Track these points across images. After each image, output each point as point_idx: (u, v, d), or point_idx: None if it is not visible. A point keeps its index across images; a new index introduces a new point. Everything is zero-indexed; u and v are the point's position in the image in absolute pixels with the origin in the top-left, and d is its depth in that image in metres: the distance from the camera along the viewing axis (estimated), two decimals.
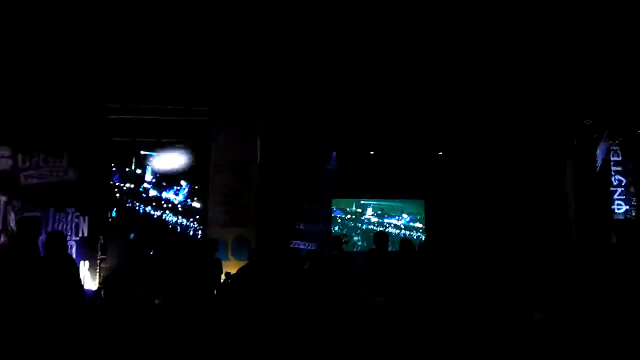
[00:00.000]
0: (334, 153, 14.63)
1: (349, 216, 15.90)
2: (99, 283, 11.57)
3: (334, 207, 15.98)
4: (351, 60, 11.08)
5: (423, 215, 16.00)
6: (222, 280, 8.58)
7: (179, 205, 13.14)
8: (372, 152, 14.41)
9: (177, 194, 13.16)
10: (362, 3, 9.36)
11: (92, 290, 11.16)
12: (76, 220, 11.85)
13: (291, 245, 14.26)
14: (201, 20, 9.86)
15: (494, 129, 13.08)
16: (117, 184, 12.84)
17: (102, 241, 12.05)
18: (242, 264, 9.42)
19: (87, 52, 10.80)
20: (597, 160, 12.65)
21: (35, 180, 11.84)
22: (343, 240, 8.63)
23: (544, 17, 9.57)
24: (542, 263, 6.43)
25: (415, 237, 15.30)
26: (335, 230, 15.48)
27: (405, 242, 7.77)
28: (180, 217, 13.11)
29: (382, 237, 7.41)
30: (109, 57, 10.99)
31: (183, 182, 13.15)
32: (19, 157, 11.82)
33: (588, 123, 12.68)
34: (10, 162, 11.78)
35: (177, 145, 12.75)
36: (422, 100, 12.36)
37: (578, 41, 10.33)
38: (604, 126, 12.55)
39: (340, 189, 15.64)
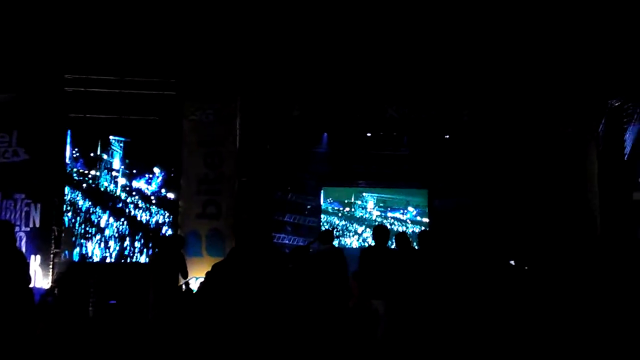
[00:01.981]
0: (325, 134, 14.47)
1: (347, 209, 15.83)
2: (52, 281, 11.41)
3: (329, 198, 15.90)
4: (344, 23, 10.99)
5: (426, 207, 15.99)
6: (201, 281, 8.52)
7: (152, 197, 12.88)
8: (368, 134, 14.26)
9: (149, 183, 12.90)
10: None
11: (44, 289, 11.02)
12: (26, 208, 11.54)
13: (275, 240, 14.15)
14: None
15: (508, 110, 12.98)
16: (81, 170, 12.59)
17: (56, 233, 11.80)
18: (216, 260, 9.33)
19: (39, 13, 10.61)
20: (625, 146, 12.60)
21: None
22: (334, 235, 8.53)
23: None
24: (564, 261, 6.39)
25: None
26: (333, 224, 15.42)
27: (400, 236, 7.66)
28: (148, 211, 12.86)
29: (381, 232, 7.30)
30: (65, 20, 10.79)
31: (157, 170, 12.88)
32: None
33: (615, 104, 12.62)
34: None
35: (143, 124, 12.50)
36: (427, 73, 12.26)
37: (603, 10, 10.37)
38: (634, 107, 12.50)
39: (331, 176, 15.54)
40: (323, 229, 14.50)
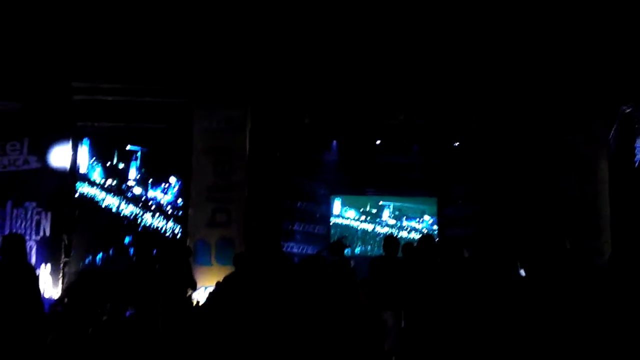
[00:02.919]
0: (335, 142, 14.47)
1: (363, 217, 15.79)
2: (62, 290, 11.44)
3: (346, 206, 15.91)
4: (354, 31, 11.00)
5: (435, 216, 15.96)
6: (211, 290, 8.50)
7: (168, 207, 12.83)
8: (377, 142, 14.26)
9: (165, 192, 12.86)
10: None
11: (53, 299, 11.06)
12: (37, 216, 11.55)
13: (284, 249, 14.13)
14: None
15: (518, 117, 12.94)
16: (98, 180, 12.59)
17: (66, 241, 11.84)
18: (225, 269, 9.34)
19: (50, 22, 10.65)
20: (636, 154, 12.53)
21: None
22: (345, 244, 8.53)
23: None
24: (572, 275, 6.32)
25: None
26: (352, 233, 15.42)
27: (407, 246, 7.66)
28: (164, 219, 12.81)
29: (391, 242, 7.29)
30: (74, 28, 10.83)
31: (173, 179, 12.83)
32: None
33: (627, 111, 12.55)
34: None
35: (154, 133, 12.51)
36: (436, 80, 12.24)
37: (614, 16, 10.34)
38: None
39: (341, 184, 15.53)
40: (336, 237, 14.47)
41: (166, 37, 11.31)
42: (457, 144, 14.10)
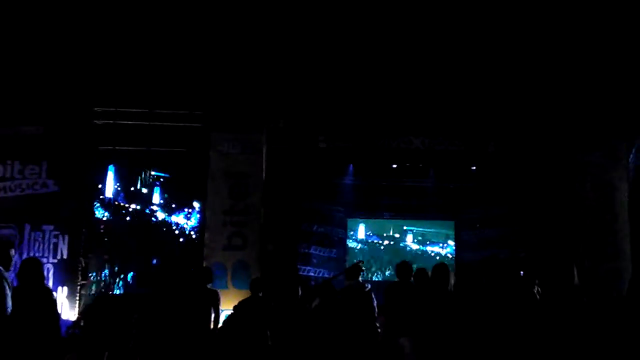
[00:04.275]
0: (351, 166, 14.49)
1: (386, 242, 15.74)
2: (79, 312, 11.47)
3: (369, 232, 15.89)
4: (370, 55, 11.06)
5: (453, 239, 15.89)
6: (228, 314, 8.48)
7: (191, 232, 12.81)
8: (394, 166, 14.26)
9: (188, 218, 12.85)
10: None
11: (70, 321, 11.09)
12: (54, 239, 11.60)
13: (300, 272, 14.12)
14: (196, 12, 9.88)
15: (535, 140, 12.88)
16: (122, 204, 12.64)
17: (83, 264, 11.88)
18: (241, 293, 9.34)
19: (69, 47, 10.80)
20: None
21: (8, 193, 11.71)
22: (361, 268, 8.49)
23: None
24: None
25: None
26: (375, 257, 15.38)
27: (419, 272, 7.64)
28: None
29: (404, 268, 7.29)
30: (94, 53, 10.97)
31: (196, 204, 12.76)
32: None
33: None
34: None
35: (172, 157, 12.57)
36: (452, 104, 12.25)
37: (631, 36, 10.33)
38: None
39: (357, 207, 15.53)
40: (355, 260, 14.46)
41: (184, 63, 11.44)
42: (474, 167, 14.05)
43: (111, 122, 12.20)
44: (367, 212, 15.89)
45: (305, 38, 10.96)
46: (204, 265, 11.59)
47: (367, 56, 11.30)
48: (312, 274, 14.59)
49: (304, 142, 13.01)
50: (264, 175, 12.34)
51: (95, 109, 12.07)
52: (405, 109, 12.31)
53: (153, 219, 12.76)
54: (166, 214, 12.80)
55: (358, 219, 16.01)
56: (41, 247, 11.56)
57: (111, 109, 12.17)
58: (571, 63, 11.46)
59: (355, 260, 14.70)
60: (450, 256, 15.51)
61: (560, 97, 12.10)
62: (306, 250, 14.83)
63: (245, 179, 12.22)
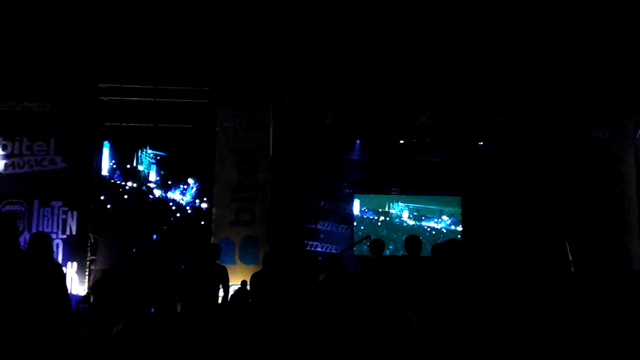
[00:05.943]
0: (358, 141, 14.45)
1: (382, 217, 15.76)
2: (88, 288, 11.58)
3: (364, 207, 15.89)
4: (377, 32, 11.00)
5: (460, 216, 15.88)
6: (235, 289, 8.52)
7: (187, 207, 12.91)
8: (401, 141, 14.19)
9: (183, 194, 12.96)
10: None
11: (80, 296, 11.20)
12: (63, 215, 11.72)
13: (308, 248, 14.17)
14: None
15: (542, 116, 12.82)
16: (118, 182, 12.70)
17: (92, 240, 12.00)
18: (249, 268, 9.39)
19: (76, 25, 10.78)
20: None
21: (17, 169, 11.81)
22: (366, 243, 8.52)
23: None
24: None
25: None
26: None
27: (436, 246, 7.67)
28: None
29: (414, 242, 7.30)
30: (100, 31, 10.95)
31: (191, 180, 12.88)
32: None
33: None
34: None
35: (178, 133, 12.56)
36: (459, 80, 12.20)
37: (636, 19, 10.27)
38: None
39: (364, 184, 15.51)
40: (356, 237, 14.47)
41: (190, 39, 11.40)
42: (481, 143, 13.98)
43: (117, 98, 12.21)
44: (375, 188, 15.88)
45: (311, 13, 10.90)
46: (212, 241, 11.65)
47: (373, 31, 11.24)
48: (320, 249, 14.64)
49: (310, 118, 12.98)
50: (270, 151, 12.37)
51: (100, 85, 12.07)
52: (412, 84, 12.25)
53: (150, 196, 12.81)
54: (162, 191, 12.86)
55: (365, 195, 15.99)
56: (50, 222, 11.65)
57: (116, 86, 12.18)
58: (579, 38, 11.37)
59: (360, 234, 14.79)
60: (445, 230, 15.55)
61: (568, 73, 12.02)
62: (313, 226, 14.87)
63: (252, 155, 12.26)
